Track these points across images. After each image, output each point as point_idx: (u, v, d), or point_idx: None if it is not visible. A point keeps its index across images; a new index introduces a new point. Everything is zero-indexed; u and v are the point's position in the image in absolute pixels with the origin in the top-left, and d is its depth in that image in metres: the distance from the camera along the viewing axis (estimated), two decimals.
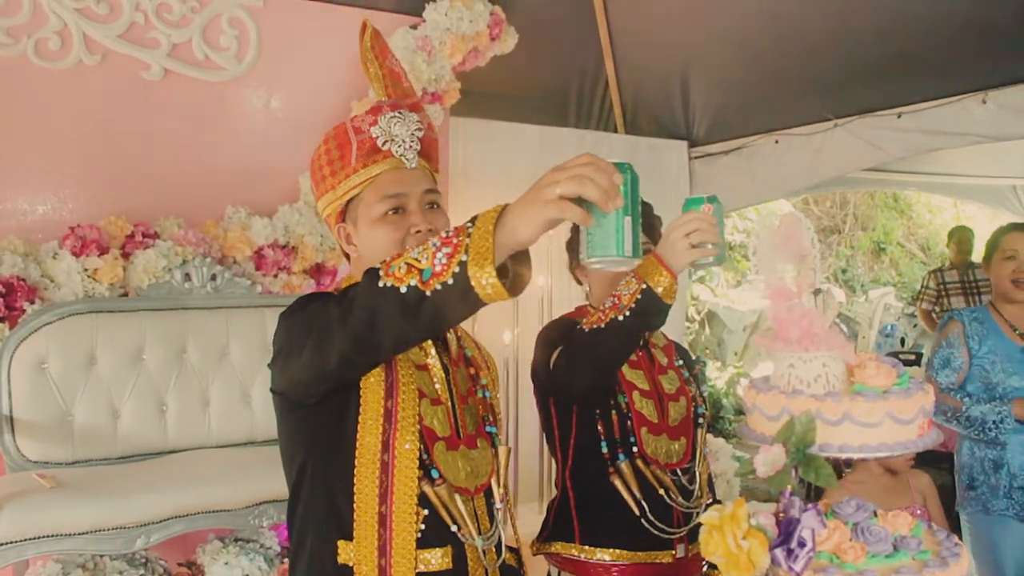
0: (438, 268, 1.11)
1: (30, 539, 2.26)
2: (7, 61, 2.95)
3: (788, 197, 8.67)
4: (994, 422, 2.72)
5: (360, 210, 1.46)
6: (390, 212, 1.43)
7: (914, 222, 11.16)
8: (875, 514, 1.13)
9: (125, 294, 2.96)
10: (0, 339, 2.69)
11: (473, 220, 1.13)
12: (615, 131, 5.02)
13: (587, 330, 1.69)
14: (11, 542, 2.24)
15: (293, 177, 3.39)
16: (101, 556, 2.50)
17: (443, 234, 1.16)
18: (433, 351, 1.47)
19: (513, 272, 1.15)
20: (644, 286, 1.58)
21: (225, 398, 2.97)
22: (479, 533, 1.41)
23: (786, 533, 1.02)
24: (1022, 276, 2.82)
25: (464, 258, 1.09)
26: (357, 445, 1.35)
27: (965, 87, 3.81)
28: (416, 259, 1.14)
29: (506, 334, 4.07)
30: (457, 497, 1.39)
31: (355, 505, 1.35)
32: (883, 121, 4.12)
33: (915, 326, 8.94)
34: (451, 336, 1.54)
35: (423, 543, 1.36)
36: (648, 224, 1.90)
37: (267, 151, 3.40)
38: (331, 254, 3.39)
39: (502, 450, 1.50)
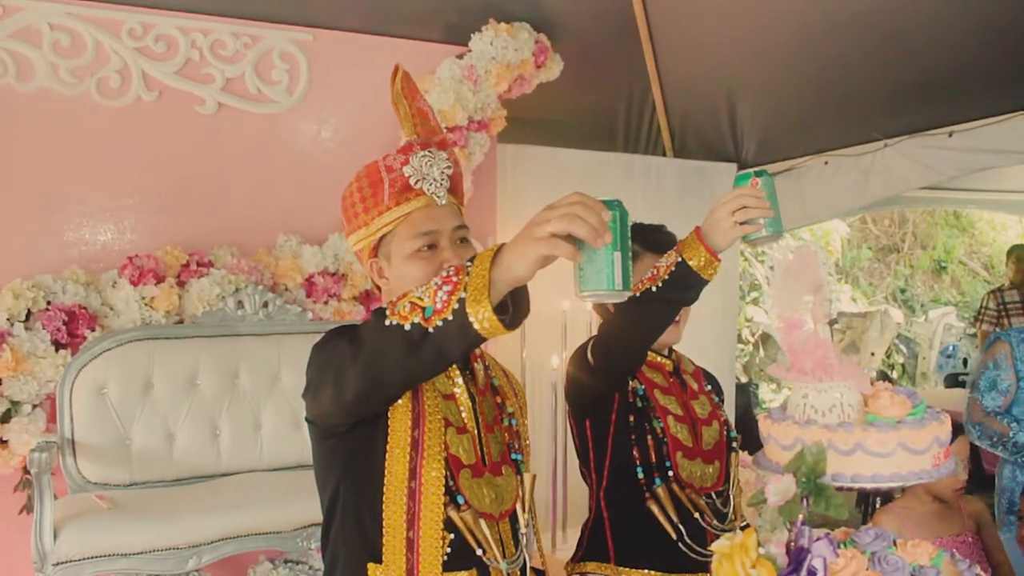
0: (439, 305, 1.17)
1: (87, 558, 2.35)
2: (72, 100, 3.10)
3: (842, 217, 8.55)
4: None
5: (393, 246, 1.51)
6: (424, 248, 1.48)
7: (977, 240, 10.89)
8: (895, 543, 1.13)
9: (180, 321, 3.06)
10: (63, 365, 2.80)
11: (473, 259, 1.19)
12: (664, 155, 5.03)
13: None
14: (69, 560, 2.33)
15: None
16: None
17: (444, 273, 1.22)
18: (460, 381, 1.51)
19: (513, 307, 1.20)
20: (680, 259, 1.60)
21: (276, 422, 3.05)
22: (504, 557, 1.45)
23: (796, 562, 1.03)
24: None
25: (463, 295, 1.15)
26: (385, 473, 1.40)
27: (1016, 104, 3.73)
28: (419, 297, 1.21)
29: (554, 358, 4.11)
30: (482, 522, 1.43)
31: (384, 530, 1.40)
32: (934, 140, 4.06)
33: (977, 347, 8.70)
34: (478, 366, 1.58)
35: (449, 566, 1.40)
36: (658, 243, 1.91)
37: (317, 181, 3.49)
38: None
39: (527, 477, 1.54)
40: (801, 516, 1.05)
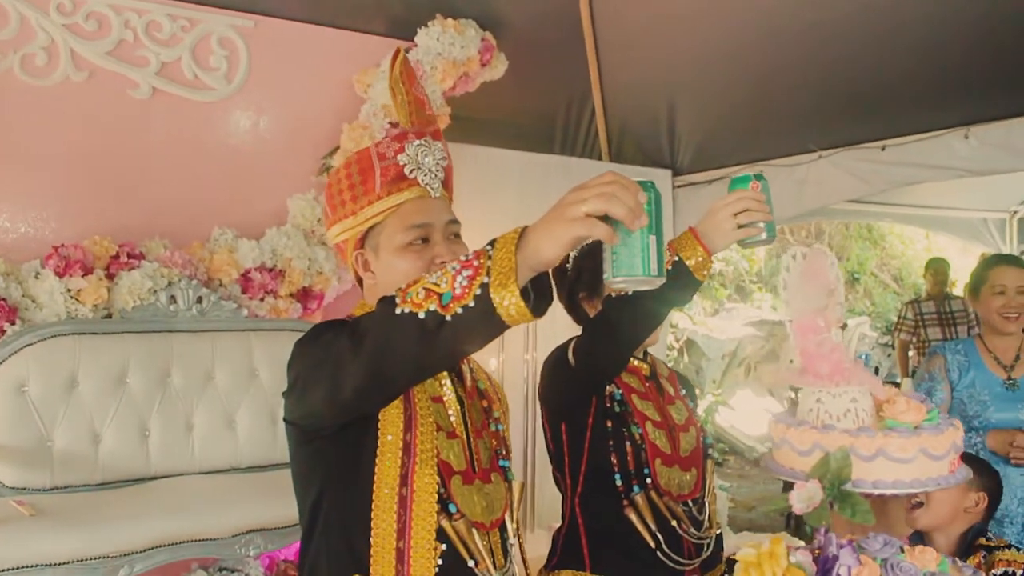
0: (458, 291, 1.09)
1: (9, 569, 2.18)
2: None
3: None
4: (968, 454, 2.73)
5: (383, 238, 1.43)
6: (416, 242, 1.41)
7: (887, 252, 11.31)
8: (901, 549, 1.12)
9: (109, 316, 2.90)
10: None
11: (492, 243, 1.11)
12: (600, 159, 5.03)
13: (613, 297, 1.66)
14: None
15: (281, 200, 3.36)
16: None
17: (462, 258, 1.14)
18: (448, 383, 1.45)
19: (535, 294, 1.12)
20: (676, 258, 1.55)
21: (209, 423, 2.91)
22: (495, 568, 1.38)
23: (824, 571, 1.01)
24: (1011, 310, 2.83)
25: (486, 280, 1.07)
26: (375, 478, 1.32)
27: (948, 122, 3.86)
28: (435, 284, 1.12)
29: (491, 361, 4.06)
30: (475, 532, 1.36)
31: (372, 540, 1.32)
32: (867, 154, 4.16)
33: (889, 355, 9.02)
34: (465, 368, 1.52)
35: None
36: None
37: (255, 173, 3.36)
38: (318, 278, 3.36)
39: (516, 484, 1.48)
40: (825, 524, 1.02)
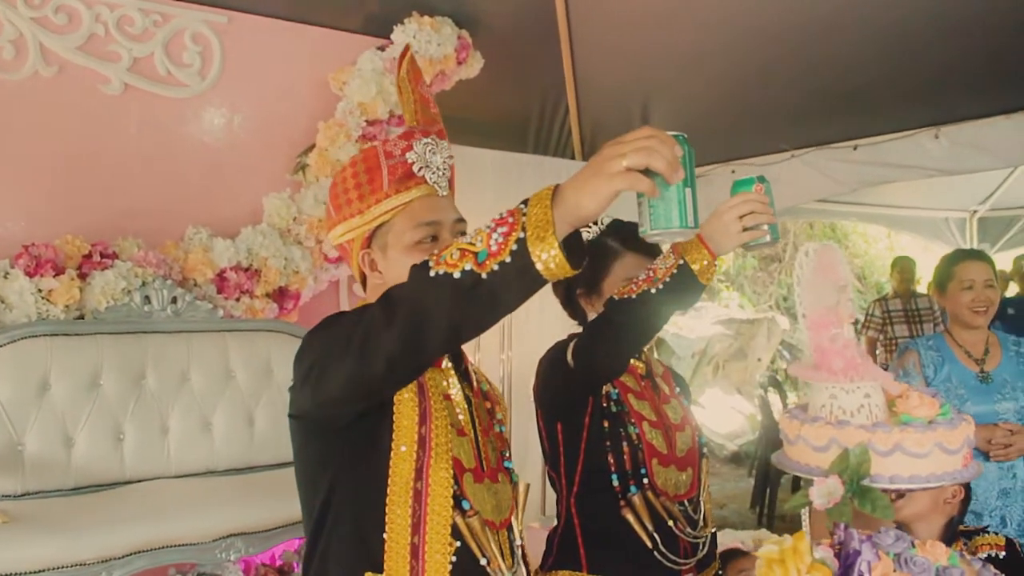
0: (494, 248, 1.08)
1: None
2: None
3: None
4: None
5: (391, 236, 1.42)
6: (426, 240, 1.40)
7: (850, 251, 11.48)
8: (913, 544, 1.12)
9: (81, 317, 2.83)
10: None
11: (525, 202, 1.11)
12: (573, 158, 5.04)
13: (616, 299, 1.65)
14: None
15: (256, 198, 3.31)
16: None
17: (497, 216, 1.13)
18: (456, 381, 1.43)
19: (566, 249, 1.10)
20: (681, 262, 1.54)
21: (185, 426, 2.85)
22: (506, 568, 1.37)
23: (846, 567, 1.00)
24: (980, 304, 2.87)
25: (522, 235, 1.07)
26: (390, 472, 1.30)
27: (919, 122, 3.92)
28: (470, 243, 1.11)
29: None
30: (487, 530, 1.35)
31: (386, 535, 1.29)
32: (839, 153, 4.22)
33: None
34: (471, 369, 1.51)
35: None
36: (640, 241, 1.87)
37: (230, 171, 3.31)
38: (294, 278, 3.31)
39: (522, 485, 1.47)
40: (846, 520, 1.02)
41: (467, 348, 3.99)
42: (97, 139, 3.05)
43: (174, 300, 2.97)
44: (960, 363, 2.89)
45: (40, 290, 2.73)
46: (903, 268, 6.52)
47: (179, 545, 2.39)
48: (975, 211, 7.63)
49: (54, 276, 2.76)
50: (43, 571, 2.18)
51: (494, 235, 1.09)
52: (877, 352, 6.40)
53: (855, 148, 4.14)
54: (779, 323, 8.91)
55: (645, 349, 1.97)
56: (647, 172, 1.07)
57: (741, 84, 4.14)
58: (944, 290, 2.96)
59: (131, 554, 2.31)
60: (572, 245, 1.11)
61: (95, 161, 3.03)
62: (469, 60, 3.85)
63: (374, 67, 3.49)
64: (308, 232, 3.33)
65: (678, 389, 2.02)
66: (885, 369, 1.33)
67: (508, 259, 1.07)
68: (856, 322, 6.75)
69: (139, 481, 2.73)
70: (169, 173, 3.19)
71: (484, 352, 4.14)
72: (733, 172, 4.74)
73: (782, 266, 10.99)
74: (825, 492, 1.03)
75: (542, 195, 1.09)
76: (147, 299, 2.91)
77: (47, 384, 2.65)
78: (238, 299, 3.18)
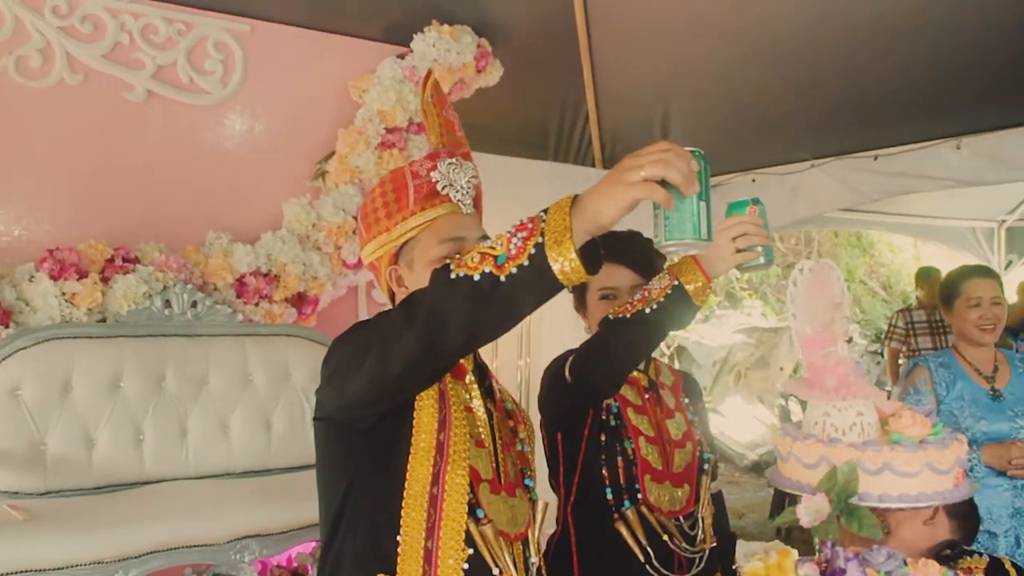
0: (513, 252, 1.12)
1: (2, 574, 2.17)
2: None
3: None
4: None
5: (416, 252, 1.46)
6: (451, 256, 1.43)
7: (876, 260, 11.38)
8: (905, 563, 1.13)
9: (103, 320, 2.88)
10: None
11: (545, 210, 1.15)
12: (593, 166, 5.05)
13: (611, 318, 1.67)
14: None
15: (276, 204, 3.35)
16: None
17: (517, 222, 1.17)
18: (478, 395, 1.46)
19: (583, 257, 1.14)
20: (676, 282, 1.56)
21: (203, 428, 2.89)
22: None
23: None
24: (987, 322, 2.83)
25: (540, 240, 1.11)
26: (407, 476, 1.33)
27: (940, 133, 3.89)
28: (491, 248, 1.16)
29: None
30: (500, 540, 1.37)
31: (401, 538, 1.32)
32: (860, 163, 4.20)
33: (878, 363, 9.06)
34: (495, 385, 1.54)
35: None
36: (625, 253, 1.89)
37: (250, 177, 3.35)
38: (313, 283, 3.35)
39: (540, 504, 1.50)
40: (832, 537, 1.03)
41: (486, 356, 4.03)
42: (120, 145, 3.10)
43: (194, 304, 3.01)
44: (971, 380, 2.86)
45: (64, 293, 2.79)
46: (929, 278, 6.43)
47: (194, 546, 2.43)
48: (1003, 221, 7.54)
49: (77, 280, 2.81)
50: (62, 568, 2.23)
51: (514, 240, 1.14)
52: (900, 363, 6.33)
53: (876, 158, 4.12)
54: None
55: (655, 357, 1.99)
56: (664, 184, 1.11)
57: (761, 93, 4.14)
58: (950, 306, 2.93)
59: (147, 553, 2.35)
60: (589, 253, 1.15)
61: (118, 167, 3.09)
62: (488, 68, 3.87)
63: (393, 75, 3.53)
64: (327, 238, 3.37)
65: (687, 399, 2.02)
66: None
67: (526, 263, 1.11)
68: (882, 333, 6.71)
69: (158, 482, 2.77)
70: (190, 179, 3.24)
71: (502, 359, 4.17)
72: (753, 181, 4.74)
73: None
74: (812, 510, 1.04)
75: (562, 203, 1.14)
76: (168, 303, 2.96)
77: (69, 385, 2.70)
78: (257, 304, 3.22)
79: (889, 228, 7.77)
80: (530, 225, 1.13)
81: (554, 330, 3.93)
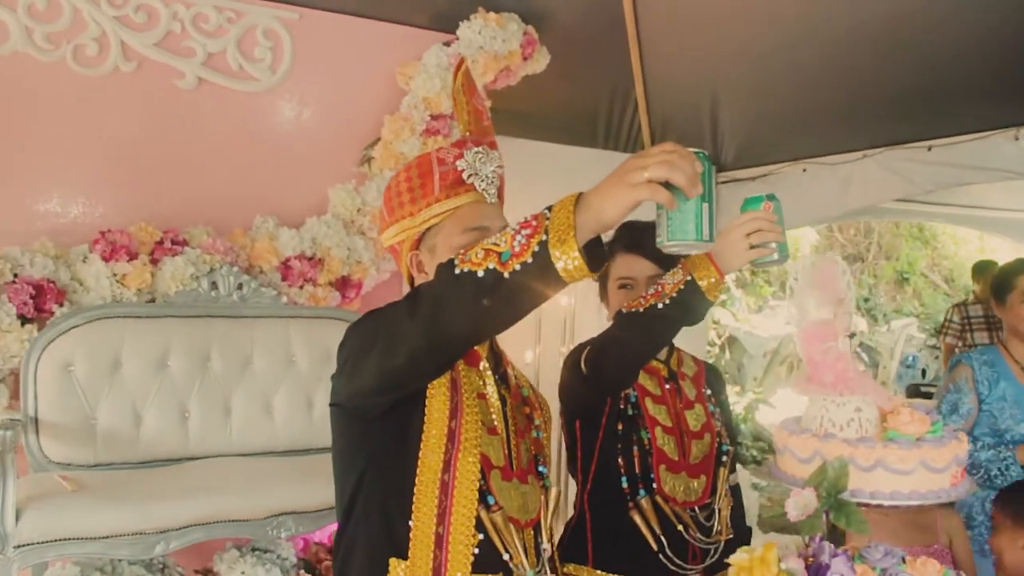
0: (517, 249, 1.14)
1: (51, 541, 2.27)
2: (47, 66, 3.00)
3: (813, 224, 8.65)
4: (999, 469, 2.66)
5: (439, 239, 1.48)
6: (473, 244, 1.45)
7: (939, 253, 11.09)
8: (903, 560, 1.12)
9: (152, 300, 2.98)
10: (28, 340, 2.71)
11: (550, 208, 1.16)
12: None
13: (624, 312, 1.68)
14: (32, 543, 2.25)
15: (322, 189, 3.42)
16: (119, 560, 2.52)
17: (522, 219, 1.18)
18: (492, 381, 1.48)
19: (587, 255, 1.16)
20: (689, 278, 1.57)
21: (247, 407, 2.98)
22: (529, 566, 1.42)
23: None
24: None
25: (544, 237, 1.12)
26: (419, 462, 1.36)
27: (997, 123, 3.78)
28: (495, 244, 1.17)
29: (527, 353, 4.08)
30: (511, 526, 1.39)
31: (412, 523, 1.35)
32: (913, 153, 4.09)
33: (936, 358, 8.86)
34: (510, 371, 1.55)
35: (477, 568, 1.36)
36: (638, 244, 1.89)
37: (297, 162, 3.42)
38: (356, 267, 3.41)
39: (552, 491, 1.51)
40: (820, 532, 1.03)
41: (527, 341, 4.01)
42: (171, 131, 3.20)
43: (240, 286, 3.10)
44: (1016, 380, 2.78)
45: (115, 274, 2.89)
46: (986, 272, 6.25)
47: (232, 520, 2.51)
48: None
49: (128, 261, 2.91)
50: (107, 537, 2.33)
51: (518, 237, 1.14)
52: None
53: (929, 149, 4.00)
54: (857, 324, 8.69)
55: (681, 347, 1.99)
56: (668, 185, 1.12)
57: (812, 81, 4.06)
58: (1003, 301, 2.85)
59: (187, 526, 2.44)
60: (593, 250, 1.16)
61: (169, 152, 3.19)
62: (535, 56, 3.88)
63: (439, 62, 3.56)
64: (371, 223, 3.43)
65: (708, 391, 2.02)
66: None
67: (530, 260, 1.12)
68: (941, 326, 6.54)
69: (202, 458, 2.87)
70: (239, 164, 3.32)
71: (544, 345, 4.18)
72: (804, 171, 4.65)
73: (864, 266, 10.69)
74: (800, 504, 1.04)
75: (566, 201, 1.14)
76: (214, 285, 3.05)
77: (119, 363, 2.80)
78: (301, 287, 3.30)
79: (950, 220, 7.56)
80: (534, 222, 1.14)
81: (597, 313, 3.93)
